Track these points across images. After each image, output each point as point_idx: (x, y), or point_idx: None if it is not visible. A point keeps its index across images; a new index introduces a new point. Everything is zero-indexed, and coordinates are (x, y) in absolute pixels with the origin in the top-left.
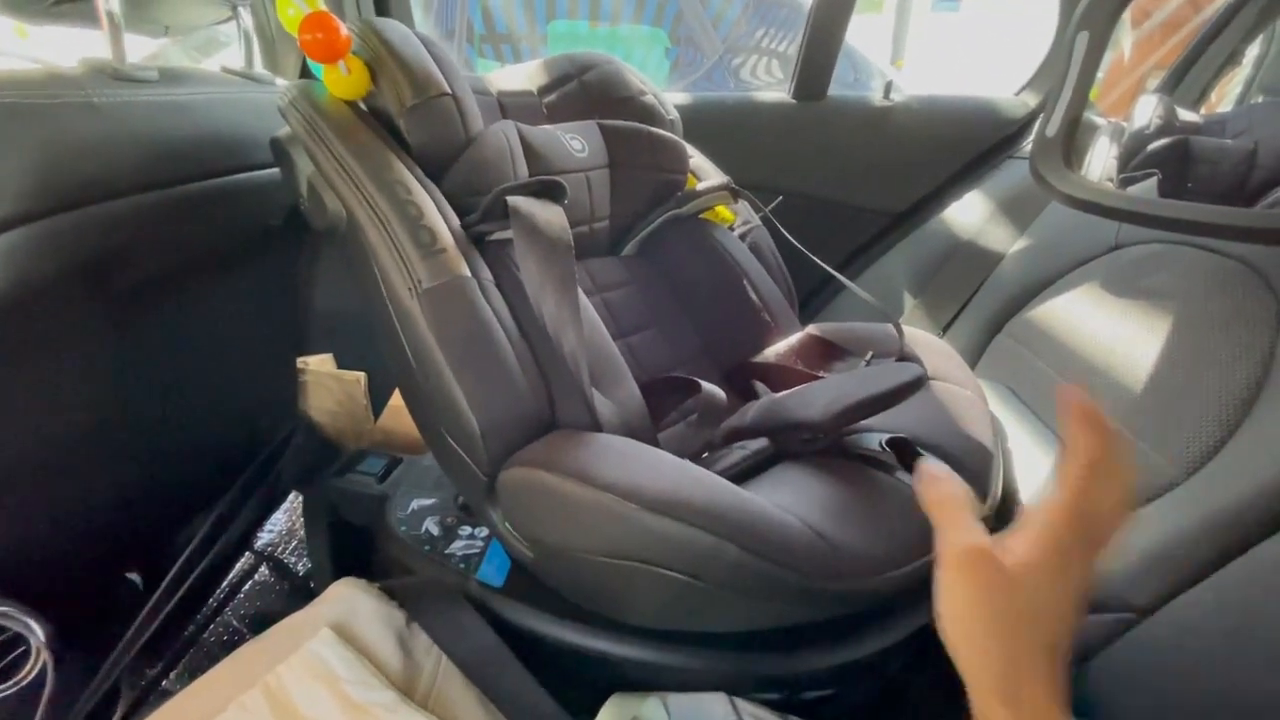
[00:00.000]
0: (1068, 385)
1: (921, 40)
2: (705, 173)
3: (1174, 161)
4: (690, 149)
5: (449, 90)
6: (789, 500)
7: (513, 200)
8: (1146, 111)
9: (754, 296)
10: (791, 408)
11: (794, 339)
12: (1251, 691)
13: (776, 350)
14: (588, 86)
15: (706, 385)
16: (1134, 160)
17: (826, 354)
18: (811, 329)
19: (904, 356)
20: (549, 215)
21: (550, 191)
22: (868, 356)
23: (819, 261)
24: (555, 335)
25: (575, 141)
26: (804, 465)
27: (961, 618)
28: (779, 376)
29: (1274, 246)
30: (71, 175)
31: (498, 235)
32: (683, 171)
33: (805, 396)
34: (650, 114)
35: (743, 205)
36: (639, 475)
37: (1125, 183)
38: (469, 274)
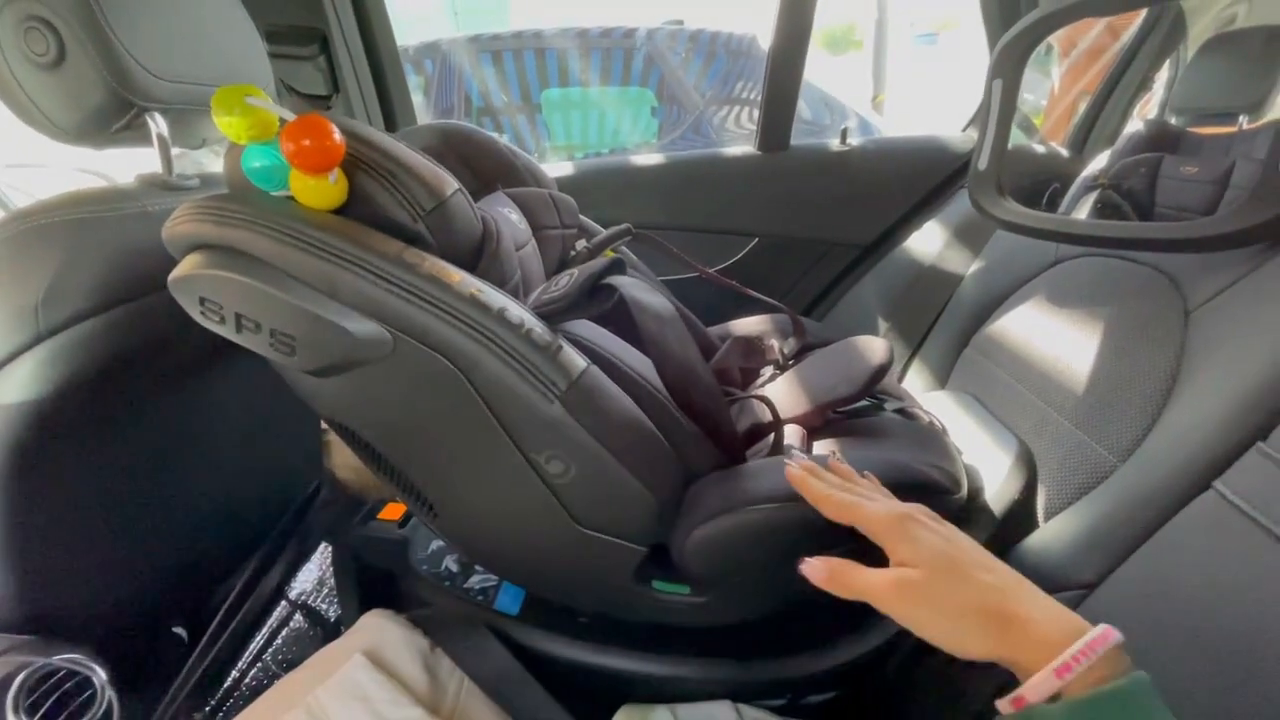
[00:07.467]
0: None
1: (903, 74)
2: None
3: (1144, 178)
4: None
5: (456, 185)
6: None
7: (612, 280)
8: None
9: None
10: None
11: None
12: (1174, 649)
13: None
14: (467, 159)
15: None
16: (1110, 172)
17: (747, 350)
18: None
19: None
20: (634, 281)
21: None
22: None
23: (710, 273)
24: (688, 382)
25: (513, 214)
26: (843, 432)
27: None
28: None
29: (1172, 253)
30: (132, 272)
31: (568, 320)
32: (576, 224)
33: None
34: (534, 174)
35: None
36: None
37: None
38: (587, 361)
